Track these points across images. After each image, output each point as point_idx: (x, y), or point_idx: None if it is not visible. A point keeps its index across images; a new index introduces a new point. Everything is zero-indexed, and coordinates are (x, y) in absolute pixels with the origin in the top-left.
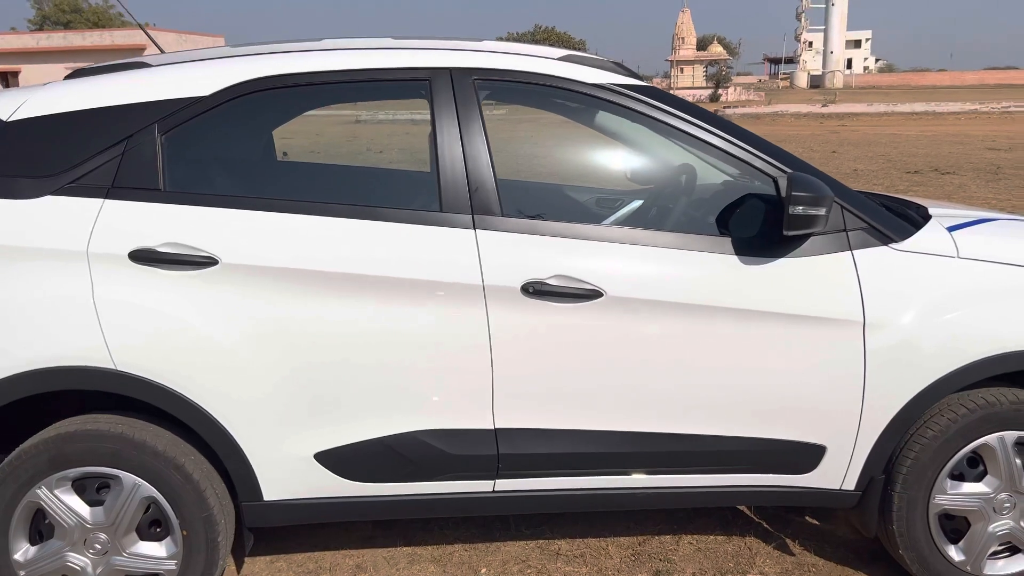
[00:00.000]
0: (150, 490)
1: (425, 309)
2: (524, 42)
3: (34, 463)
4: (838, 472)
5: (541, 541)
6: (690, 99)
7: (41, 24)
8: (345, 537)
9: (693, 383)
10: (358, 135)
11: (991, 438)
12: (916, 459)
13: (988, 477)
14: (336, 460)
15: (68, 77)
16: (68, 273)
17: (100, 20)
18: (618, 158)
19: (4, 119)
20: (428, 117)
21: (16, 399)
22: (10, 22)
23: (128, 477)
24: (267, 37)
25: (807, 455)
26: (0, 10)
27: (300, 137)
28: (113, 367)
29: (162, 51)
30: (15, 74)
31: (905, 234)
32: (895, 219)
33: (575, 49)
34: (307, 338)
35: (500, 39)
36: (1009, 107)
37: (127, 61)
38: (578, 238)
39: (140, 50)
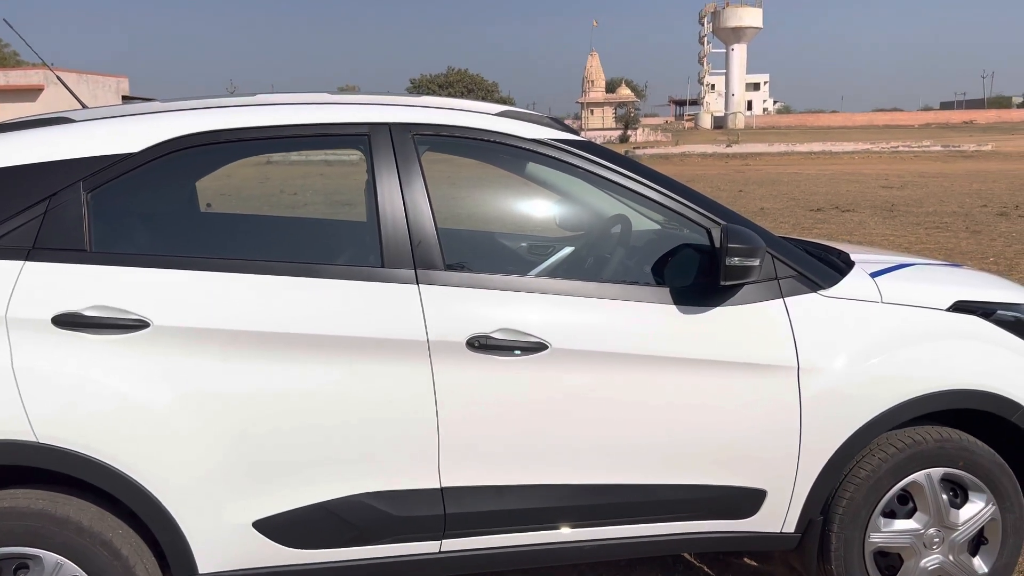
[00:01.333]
0: (74, 569)
1: (367, 367)
2: (438, 83)
3: None
4: (778, 515)
5: None
6: (600, 140)
7: None
8: None
9: (638, 433)
10: (269, 176)
11: (919, 475)
12: (851, 499)
13: (918, 514)
14: (276, 527)
15: None
16: None
17: None
18: (544, 204)
19: None
20: (344, 159)
21: None
22: None
23: (50, 556)
24: (168, 79)
25: (748, 500)
26: None
27: (210, 179)
28: (35, 439)
29: (83, 104)
30: None
31: (832, 281)
32: (822, 266)
33: (488, 91)
34: (243, 401)
35: (413, 80)
36: (898, 147)
37: (50, 116)
38: (521, 290)
39: (38, 90)
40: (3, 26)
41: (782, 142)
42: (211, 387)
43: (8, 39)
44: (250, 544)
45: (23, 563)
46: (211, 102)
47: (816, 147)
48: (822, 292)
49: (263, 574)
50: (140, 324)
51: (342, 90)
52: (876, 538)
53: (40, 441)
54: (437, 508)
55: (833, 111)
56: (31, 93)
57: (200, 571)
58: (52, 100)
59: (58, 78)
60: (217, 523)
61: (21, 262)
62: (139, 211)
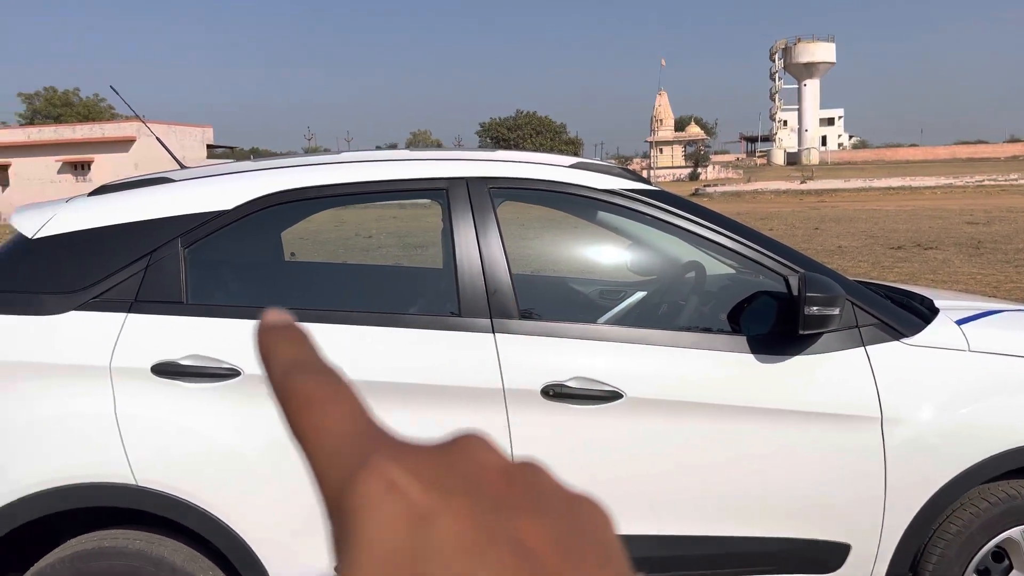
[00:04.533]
0: None
1: (446, 414)
2: (507, 126)
3: None
4: (864, 570)
5: None
6: (669, 178)
7: (31, 118)
8: None
9: (715, 483)
10: (344, 220)
11: (1015, 532)
12: (942, 556)
13: (1014, 572)
14: None
15: (93, 193)
16: (91, 388)
17: (91, 113)
18: (615, 249)
19: (30, 236)
20: (416, 202)
21: (35, 518)
22: (0, 119)
23: None
24: (249, 127)
25: (832, 553)
26: None
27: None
28: (134, 483)
29: (181, 164)
30: (4, 168)
31: (916, 329)
32: (905, 314)
33: (556, 132)
34: None
35: (483, 123)
36: (983, 181)
37: (151, 176)
38: (595, 338)
39: (130, 142)
40: (96, 82)
41: (859, 178)
42: None
43: (104, 94)
44: None
45: None
46: (299, 160)
47: (895, 182)
48: (905, 340)
49: None
50: (232, 373)
51: (414, 135)
52: None
53: (139, 484)
54: None
55: (912, 144)
56: (124, 144)
57: None
58: (143, 150)
59: (159, 141)
60: (301, 567)
61: (124, 314)
62: (231, 264)
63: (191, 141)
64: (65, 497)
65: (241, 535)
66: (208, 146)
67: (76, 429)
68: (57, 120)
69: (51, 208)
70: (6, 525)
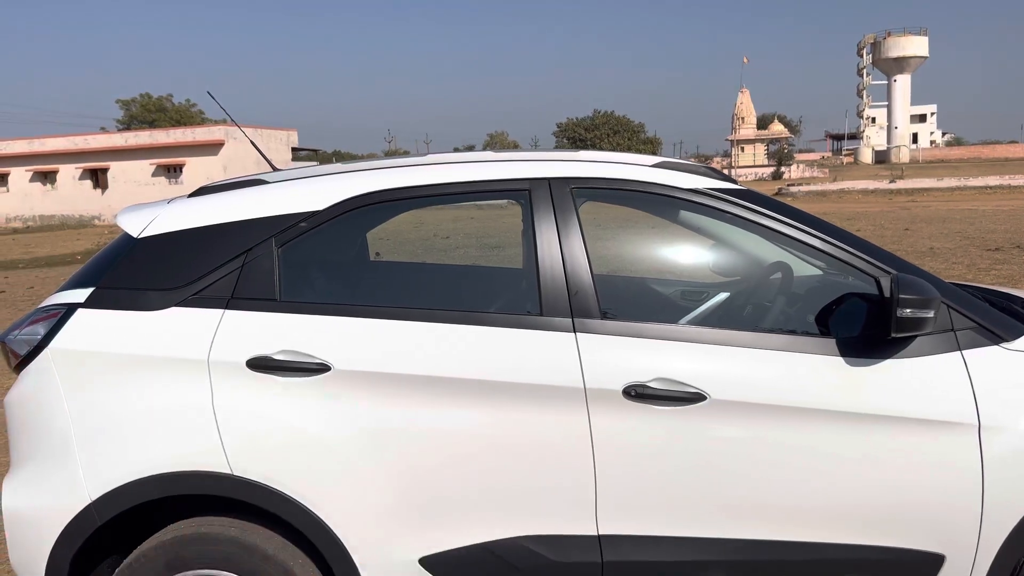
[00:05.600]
0: None
1: (528, 412)
2: (584, 126)
3: (152, 565)
4: None
5: None
6: (751, 177)
7: (128, 124)
8: None
9: (800, 489)
10: (423, 220)
11: None
12: None
13: None
14: (440, 565)
15: (193, 194)
16: (190, 381)
17: (182, 118)
18: (696, 249)
19: (135, 235)
20: (493, 203)
21: (139, 503)
22: (99, 123)
23: None
24: (332, 130)
25: (925, 564)
26: (90, 113)
27: None
28: (230, 472)
29: (273, 167)
30: (104, 170)
31: (1016, 333)
32: (1004, 317)
33: (635, 132)
34: (414, 442)
35: (560, 124)
36: None
37: (246, 179)
38: (678, 339)
39: (219, 145)
40: (188, 88)
41: (953, 176)
42: (385, 428)
43: (194, 99)
44: None
45: None
46: (386, 162)
47: (992, 181)
48: (1005, 345)
49: None
50: (322, 368)
51: (491, 136)
52: None
53: (235, 473)
54: (595, 555)
55: (1012, 141)
56: (214, 147)
57: None
58: (231, 154)
59: (252, 144)
60: (387, 558)
61: (222, 311)
62: (321, 263)
63: (276, 144)
64: (166, 484)
65: (330, 525)
66: (293, 149)
67: (177, 419)
68: (152, 125)
69: (154, 209)
70: (113, 509)
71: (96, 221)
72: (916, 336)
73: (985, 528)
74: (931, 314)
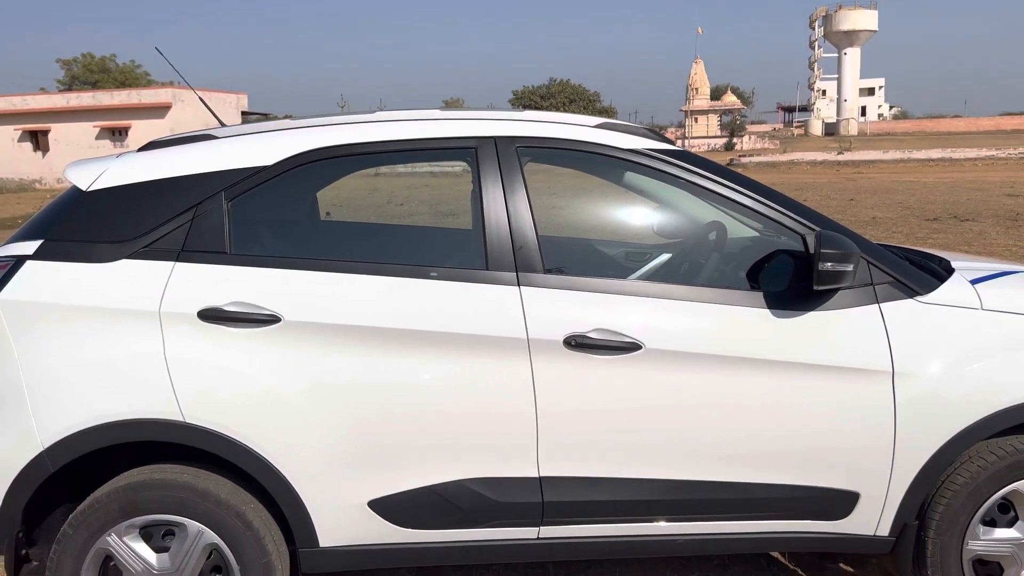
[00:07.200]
0: (213, 537)
1: (472, 362)
2: (540, 94)
3: (105, 511)
4: (872, 518)
5: None
6: (705, 148)
7: (70, 85)
8: None
9: (728, 432)
10: (378, 187)
11: (1021, 484)
12: (948, 505)
13: (1020, 523)
14: (389, 507)
15: (142, 149)
16: (142, 331)
17: (127, 80)
18: (641, 212)
19: (84, 188)
20: (448, 170)
21: (92, 450)
22: (39, 84)
23: (192, 524)
24: (282, 95)
25: (842, 502)
26: (30, 73)
27: (323, 191)
28: (182, 419)
29: (221, 123)
30: (45, 132)
31: (929, 287)
32: (919, 272)
33: (590, 100)
34: (362, 391)
35: (516, 91)
36: None
37: (196, 133)
38: (616, 293)
39: (166, 108)
40: (132, 48)
41: (898, 149)
42: (333, 377)
43: (140, 60)
44: (365, 522)
45: (170, 530)
46: (334, 119)
47: (935, 154)
48: (919, 298)
49: (377, 550)
50: (272, 319)
51: (447, 103)
52: (975, 546)
53: (187, 421)
54: (536, 496)
55: (956, 116)
56: (160, 110)
57: (321, 544)
58: (179, 117)
59: (201, 100)
60: (337, 501)
61: (172, 263)
62: (270, 217)
63: (225, 108)
64: (118, 431)
65: (281, 470)
66: (243, 113)
67: (129, 369)
68: (95, 86)
69: (103, 163)
70: (66, 456)
71: (37, 185)
72: (837, 289)
73: (896, 468)
74: (851, 267)
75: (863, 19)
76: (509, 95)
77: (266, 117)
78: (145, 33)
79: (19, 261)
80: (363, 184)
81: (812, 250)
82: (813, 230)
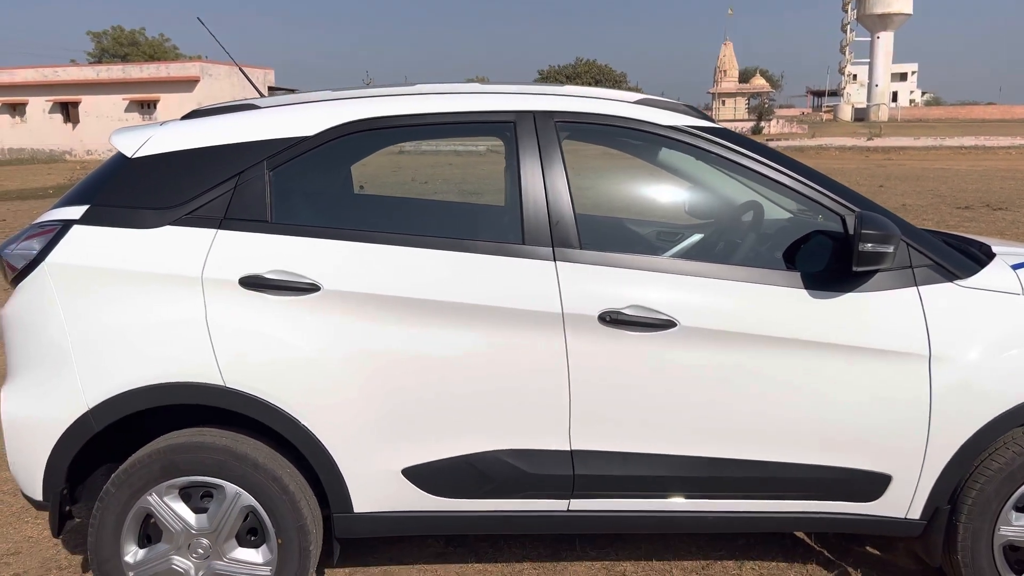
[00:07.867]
0: (250, 500)
1: (507, 334)
2: (566, 74)
3: (147, 471)
4: (903, 501)
5: (607, 563)
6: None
7: (100, 57)
8: (418, 553)
9: (761, 411)
10: (402, 165)
11: None
12: (981, 490)
13: None
14: (422, 476)
15: (185, 117)
16: (184, 297)
17: (156, 53)
18: (673, 192)
19: (129, 155)
20: (472, 149)
21: (133, 411)
22: (70, 56)
23: (231, 487)
24: (309, 70)
25: (873, 483)
26: (61, 45)
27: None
28: (223, 384)
29: (260, 93)
30: (76, 104)
31: (970, 271)
32: (960, 256)
33: (616, 81)
34: (398, 360)
35: (541, 71)
36: None
37: (239, 103)
38: (652, 270)
39: (194, 82)
40: (161, 22)
41: (929, 136)
42: (371, 346)
43: (169, 34)
44: (399, 489)
45: (208, 492)
46: (373, 91)
47: (968, 141)
48: (959, 282)
49: (409, 517)
50: (312, 288)
51: (471, 82)
52: (1007, 532)
53: (227, 385)
54: (566, 468)
55: (989, 103)
56: (189, 84)
57: (355, 510)
58: (207, 91)
59: (241, 71)
60: (371, 468)
61: (215, 230)
62: (311, 187)
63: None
64: (162, 393)
65: (318, 436)
66: (269, 88)
67: (171, 333)
68: (124, 59)
69: (148, 130)
70: (110, 416)
71: (67, 156)
72: (877, 271)
73: (930, 452)
74: (891, 249)
75: (897, 2)
76: (535, 74)
77: (293, 92)
78: (177, 7)
79: (66, 225)
80: (387, 162)
81: (852, 231)
82: (853, 211)
